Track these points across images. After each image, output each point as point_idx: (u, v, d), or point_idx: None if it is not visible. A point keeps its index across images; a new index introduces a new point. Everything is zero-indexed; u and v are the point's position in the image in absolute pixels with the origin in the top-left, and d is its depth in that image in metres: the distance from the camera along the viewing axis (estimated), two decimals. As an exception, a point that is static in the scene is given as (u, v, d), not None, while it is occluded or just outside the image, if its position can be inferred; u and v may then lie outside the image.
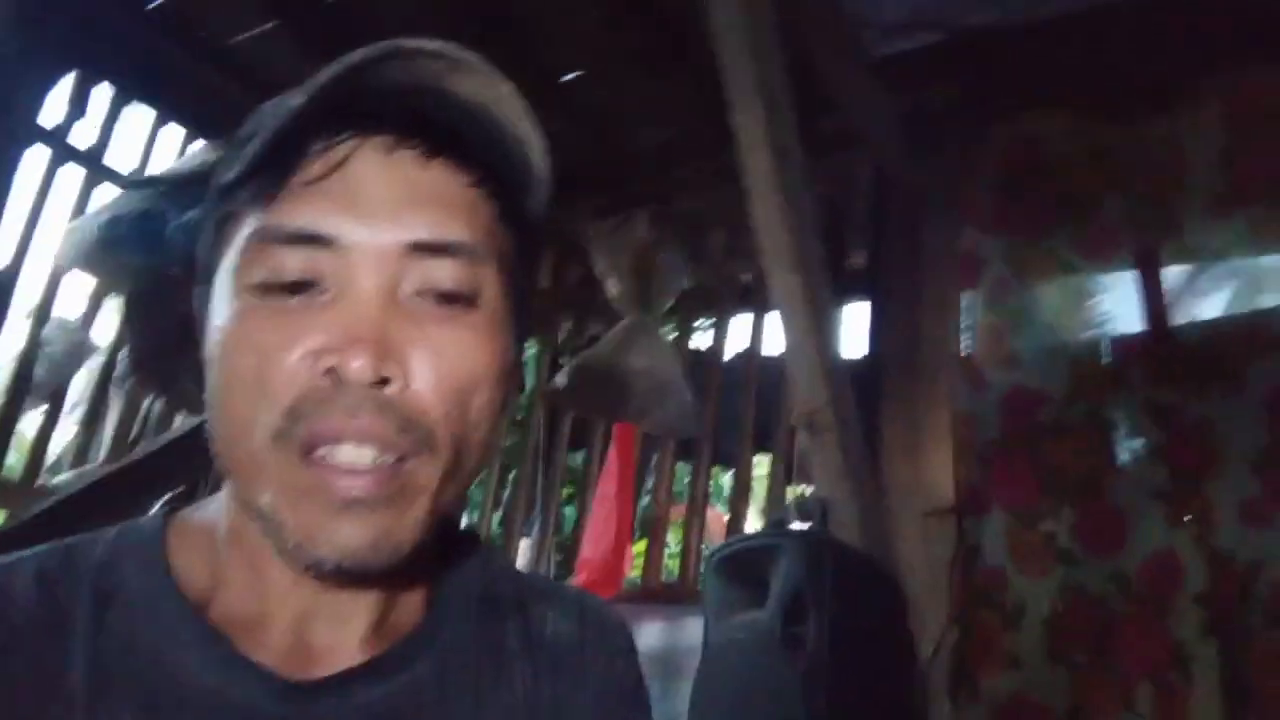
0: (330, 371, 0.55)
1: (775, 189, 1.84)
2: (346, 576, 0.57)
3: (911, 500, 2.43)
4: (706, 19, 1.99)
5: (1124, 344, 2.57)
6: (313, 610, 0.61)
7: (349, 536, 0.54)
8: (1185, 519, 2.35)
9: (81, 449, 2.91)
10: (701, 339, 3.74)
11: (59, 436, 3.07)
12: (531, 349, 3.70)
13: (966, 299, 2.76)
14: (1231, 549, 2.28)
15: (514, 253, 0.63)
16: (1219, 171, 2.48)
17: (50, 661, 0.57)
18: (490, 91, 0.58)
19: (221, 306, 0.58)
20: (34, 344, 2.81)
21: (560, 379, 2.70)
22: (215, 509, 0.65)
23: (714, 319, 3.41)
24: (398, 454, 0.55)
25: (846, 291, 2.93)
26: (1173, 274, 2.59)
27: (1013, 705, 2.37)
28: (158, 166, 3.24)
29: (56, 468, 2.98)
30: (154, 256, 2.57)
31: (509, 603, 0.69)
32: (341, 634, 0.62)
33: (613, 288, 2.81)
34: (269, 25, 3.01)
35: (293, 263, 0.56)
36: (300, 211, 0.57)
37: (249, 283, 0.57)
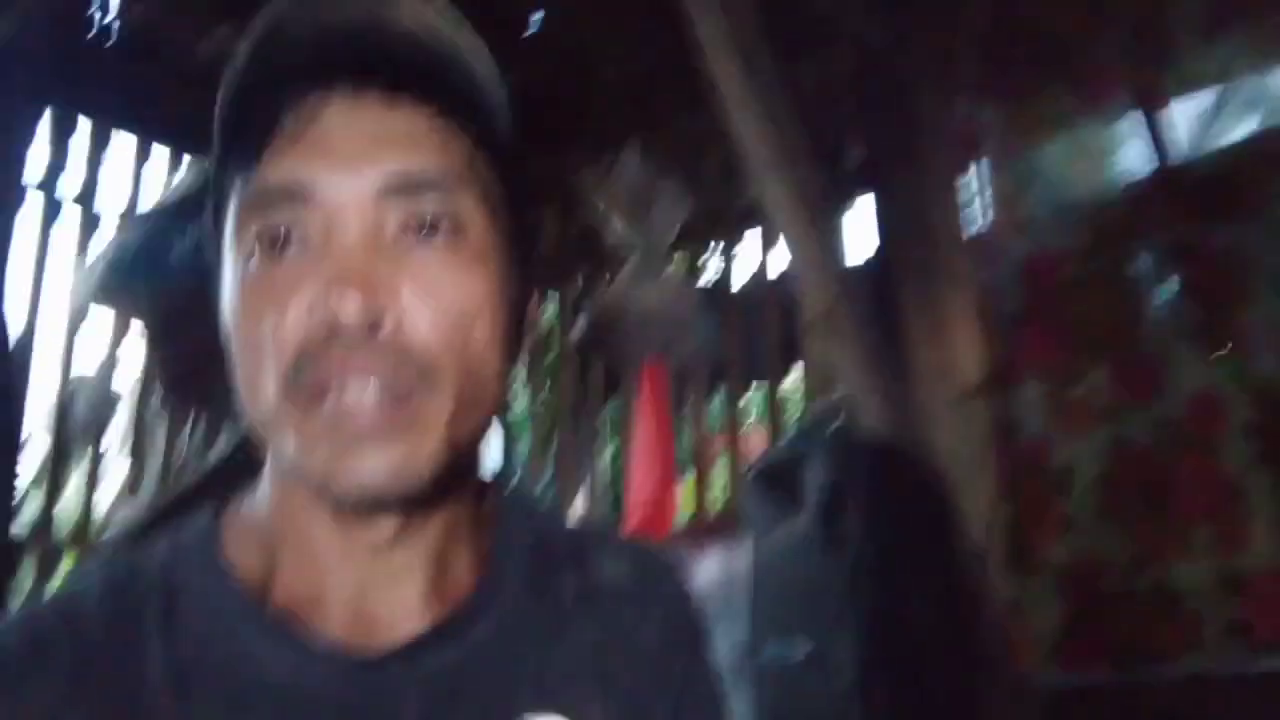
0: (327, 320, 0.56)
1: (746, 93, 1.82)
2: (376, 507, 0.59)
3: (943, 385, 2.41)
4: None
5: (1138, 187, 2.52)
6: (368, 578, 0.62)
7: (367, 469, 0.56)
8: (1222, 353, 2.31)
9: (132, 484, 3.00)
10: (714, 265, 3.72)
11: (105, 489, 3.18)
12: (552, 306, 3.71)
13: (971, 172, 2.72)
14: (1274, 375, 2.24)
15: (495, 181, 0.63)
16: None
17: (129, 667, 0.59)
18: (428, 14, 0.60)
19: (227, 279, 0.60)
20: (64, 401, 2.89)
21: (578, 330, 2.72)
22: (261, 494, 0.66)
23: (722, 243, 3.39)
24: (402, 390, 0.57)
25: (850, 187, 2.89)
26: (1184, 108, 2.52)
27: (1073, 569, 2.38)
28: (149, 191, 3.28)
29: (110, 515, 3.10)
30: (169, 277, 2.62)
31: (562, 556, 0.70)
32: (400, 599, 0.63)
33: (615, 229, 2.81)
34: (229, 31, 3.02)
35: (277, 219, 0.58)
36: (278, 168, 0.58)
37: (244, 251, 0.59)
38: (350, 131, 0.58)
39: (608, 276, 3.19)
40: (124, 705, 0.58)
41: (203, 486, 2.71)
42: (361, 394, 0.56)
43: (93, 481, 3.09)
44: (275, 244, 0.58)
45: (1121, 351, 2.44)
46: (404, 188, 0.58)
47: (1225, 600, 2.24)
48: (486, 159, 0.62)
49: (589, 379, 3.34)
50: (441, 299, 0.58)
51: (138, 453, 3.01)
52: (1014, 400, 2.49)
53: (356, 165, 0.58)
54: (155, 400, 2.98)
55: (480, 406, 0.61)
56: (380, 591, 0.62)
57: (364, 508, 0.59)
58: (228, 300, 0.60)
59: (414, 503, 0.59)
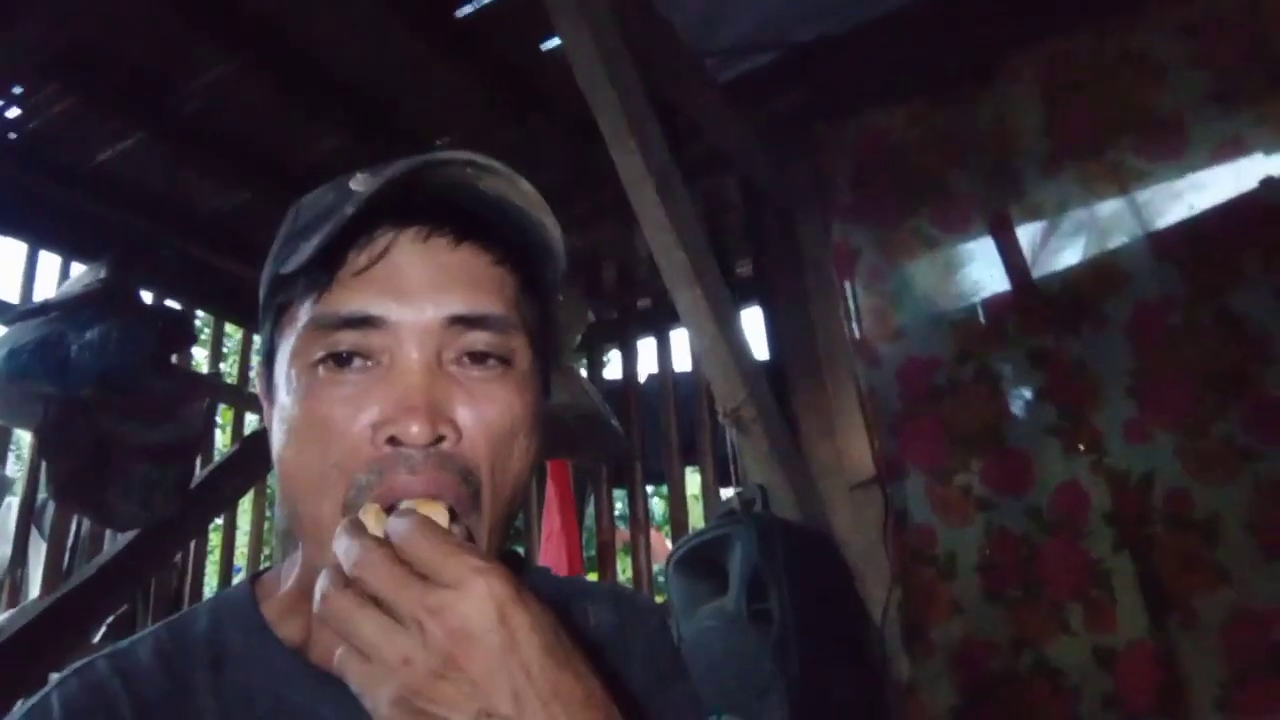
0: (392, 440, 0.62)
1: (664, 215, 1.98)
2: None
3: (836, 478, 2.59)
4: (567, 68, 2.14)
5: (995, 302, 2.80)
6: None
7: None
8: (1080, 448, 2.57)
9: (14, 589, 2.84)
10: (610, 369, 3.86)
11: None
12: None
13: (849, 287, 2.96)
14: (1125, 467, 2.50)
15: (538, 319, 0.71)
16: (1043, 135, 2.74)
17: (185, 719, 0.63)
18: (510, 186, 0.68)
19: (284, 385, 0.66)
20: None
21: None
22: (296, 569, 0.72)
23: (620, 347, 3.54)
24: (462, 508, 0.63)
25: (738, 300, 3.10)
26: (1028, 233, 2.84)
27: (963, 648, 2.54)
28: (40, 295, 3.19)
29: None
30: (61, 381, 2.55)
31: (551, 604, 0.76)
32: None
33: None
34: (131, 140, 3.03)
35: (347, 342, 0.64)
36: (352, 298, 0.65)
37: (309, 361, 0.65)
38: (419, 269, 0.66)
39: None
40: None
41: (85, 593, 2.60)
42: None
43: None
44: (342, 362, 0.64)
45: (991, 448, 2.67)
46: (464, 322, 0.66)
47: (1099, 675, 2.42)
48: (533, 300, 0.71)
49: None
50: (492, 419, 0.65)
51: (18, 561, 2.85)
52: (902, 492, 2.67)
53: (425, 299, 0.65)
54: (40, 504, 2.84)
55: (510, 514, 0.68)
56: None
57: None
58: (285, 404, 0.66)
59: None
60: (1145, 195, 2.62)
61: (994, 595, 2.56)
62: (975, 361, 2.76)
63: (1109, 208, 2.73)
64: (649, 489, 4.06)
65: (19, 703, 0.68)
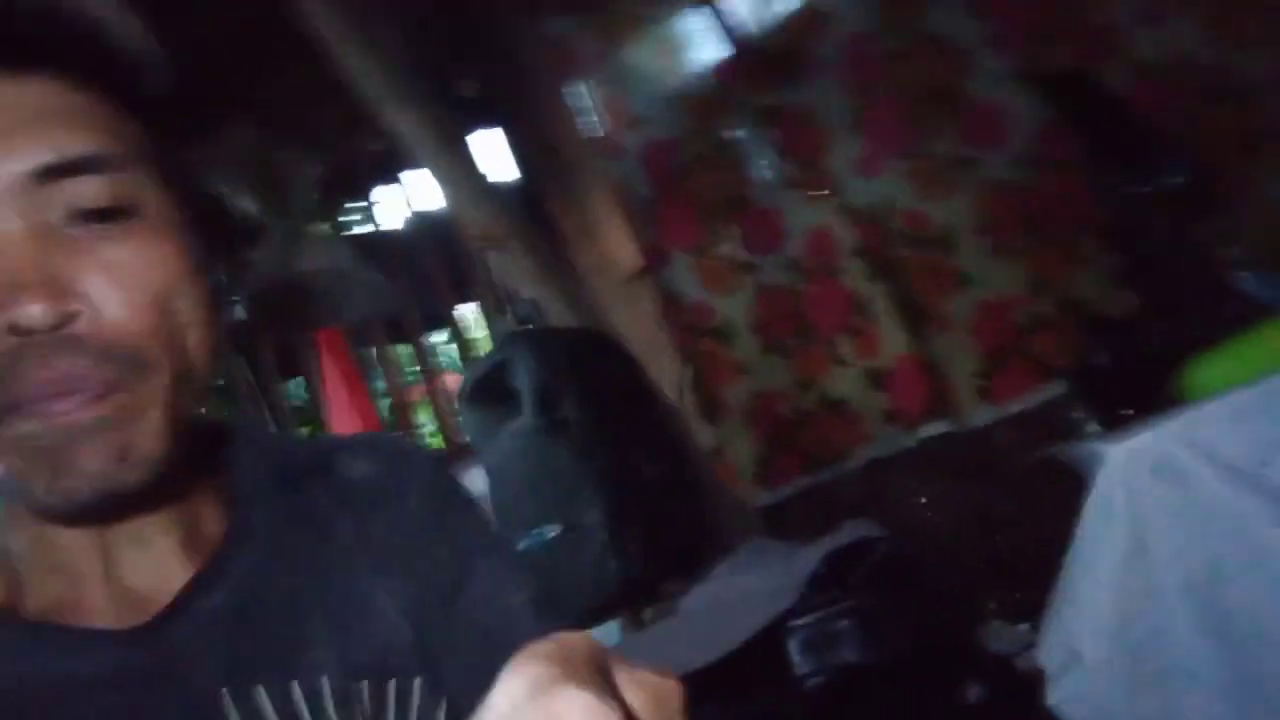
0: (13, 329, 0.51)
1: (354, 32, 1.84)
2: (107, 502, 0.54)
3: (606, 278, 2.61)
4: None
5: (720, 69, 2.82)
6: (120, 561, 0.59)
7: (89, 459, 0.52)
8: (822, 193, 2.69)
9: None
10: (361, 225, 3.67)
11: None
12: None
13: (578, 84, 2.90)
14: (864, 202, 2.65)
15: (154, 145, 0.58)
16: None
17: None
18: None
19: None
20: None
21: (239, 312, 2.60)
22: None
23: (361, 197, 3.36)
24: (109, 385, 0.53)
25: (469, 122, 2.97)
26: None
27: (754, 402, 2.71)
28: None
29: None
30: None
31: (306, 467, 0.69)
32: (158, 567, 0.60)
33: (245, 202, 2.70)
34: None
35: None
36: None
37: None
38: None
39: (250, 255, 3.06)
40: None
41: None
42: (67, 400, 0.52)
43: None
44: None
45: (743, 212, 2.75)
46: (58, 171, 0.53)
47: (875, 395, 2.65)
48: (140, 123, 0.58)
49: (259, 359, 3.19)
50: (135, 284, 0.54)
51: None
52: (671, 276, 2.74)
53: None
54: None
55: (197, 377, 0.58)
56: (136, 569, 0.59)
57: (96, 512, 0.55)
58: None
59: (147, 490, 0.56)
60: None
61: (772, 348, 2.71)
62: (711, 133, 2.80)
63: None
64: (433, 337, 4.00)
65: None
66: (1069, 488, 1.32)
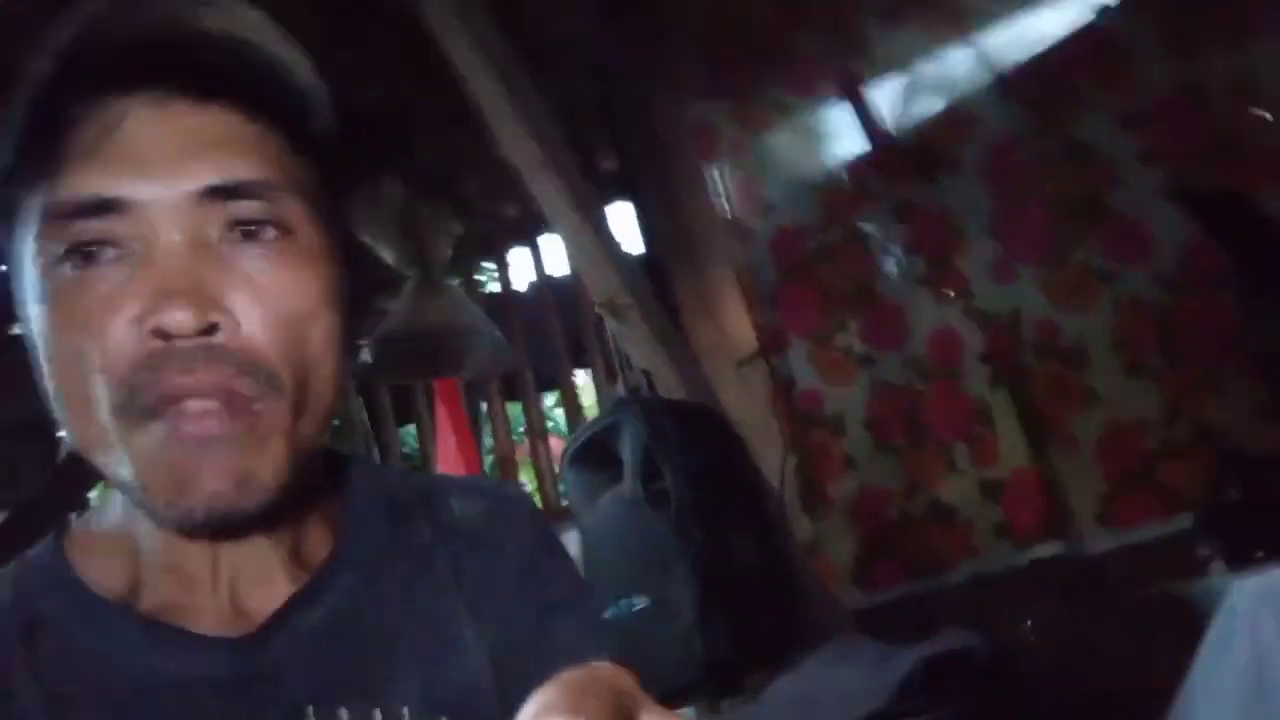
0: (157, 332, 0.54)
1: (508, 104, 1.92)
2: (220, 524, 0.56)
3: (721, 356, 2.62)
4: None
5: (857, 163, 2.82)
6: (227, 569, 0.62)
7: (210, 480, 0.54)
8: (949, 294, 2.64)
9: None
10: (492, 282, 3.79)
11: None
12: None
13: (714, 166, 2.95)
14: (993, 307, 2.59)
15: (315, 181, 0.62)
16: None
17: (2, 706, 0.57)
18: (238, 21, 0.58)
19: (31, 294, 0.57)
20: None
21: (365, 356, 2.71)
22: (110, 510, 0.64)
23: (494, 258, 3.48)
24: (244, 399, 0.55)
25: (605, 195, 3.06)
26: (880, 89, 2.85)
27: (859, 501, 2.64)
28: None
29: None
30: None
31: (413, 502, 0.71)
32: (265, 583, 0.62)
33: (387, 254, 2.83)
34: None
35: (91, 232, 0.55)
36: (84, 181, 0.55)
37: (51, 261, 0.56)
38: (159, 138, 0.56)
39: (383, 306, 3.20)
40: None
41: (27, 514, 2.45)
42: (203, 406, 0.54)
43: None
44: (89, 257, 0.55)
45: (866, 305, 2.73)
46: (222, 193, 0.56)
47: (989, 507, 2.55)
48: (305, 159, 0.61)
49: (376, 404, 3.31)
50: (275, 303, 0.57)
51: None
52: (786, 361, 2.72)
53: (171, 173, 0.56)
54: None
55: (322, 410, 0.60)
56: (243, 581, 0.62)
57: (210, 526, 0.57)
58: (35, 313, 0.57)
59: (262, 514, 0.58)
60: (988, 37, 2.64)
61: (883, 446, 2.65)
62: (842, 225, 2.80)
63: (954, 53, 2.76)
64: (543, 398, 4.07)
65: None
66: (1186, 626, 1.24)
